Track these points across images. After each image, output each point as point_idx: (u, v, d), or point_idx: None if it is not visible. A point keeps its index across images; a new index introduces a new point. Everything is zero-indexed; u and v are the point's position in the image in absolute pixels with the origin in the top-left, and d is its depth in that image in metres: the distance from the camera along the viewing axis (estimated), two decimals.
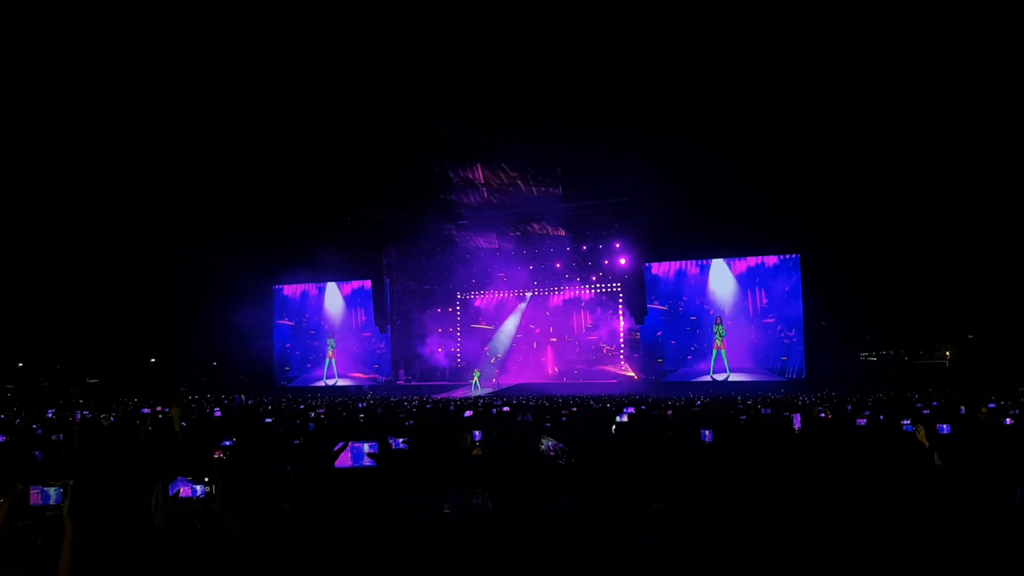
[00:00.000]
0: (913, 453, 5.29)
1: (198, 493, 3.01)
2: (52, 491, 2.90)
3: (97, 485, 3.24)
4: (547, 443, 3.60)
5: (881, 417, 9.33)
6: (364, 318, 43.54)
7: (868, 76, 34.35)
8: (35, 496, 2.89)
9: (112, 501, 3.15)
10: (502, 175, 37.37)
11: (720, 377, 35.69)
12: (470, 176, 37.66)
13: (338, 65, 36.58)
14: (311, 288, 44.88)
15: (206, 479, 3.02)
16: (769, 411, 11.48)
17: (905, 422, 7.86)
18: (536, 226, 39.06)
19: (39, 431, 10.25)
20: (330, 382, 43.17)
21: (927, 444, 5.70)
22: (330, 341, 43.95)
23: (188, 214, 39.72)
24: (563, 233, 38.59)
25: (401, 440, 4.52)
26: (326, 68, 36.88)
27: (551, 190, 37.02)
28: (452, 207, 39.13)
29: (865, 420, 8.06)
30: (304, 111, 40.37)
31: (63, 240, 38.24)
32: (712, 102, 35.59)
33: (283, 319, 45.39)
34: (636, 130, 33.77)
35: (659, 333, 37.42)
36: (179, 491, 3.01)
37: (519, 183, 37.29)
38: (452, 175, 37.71)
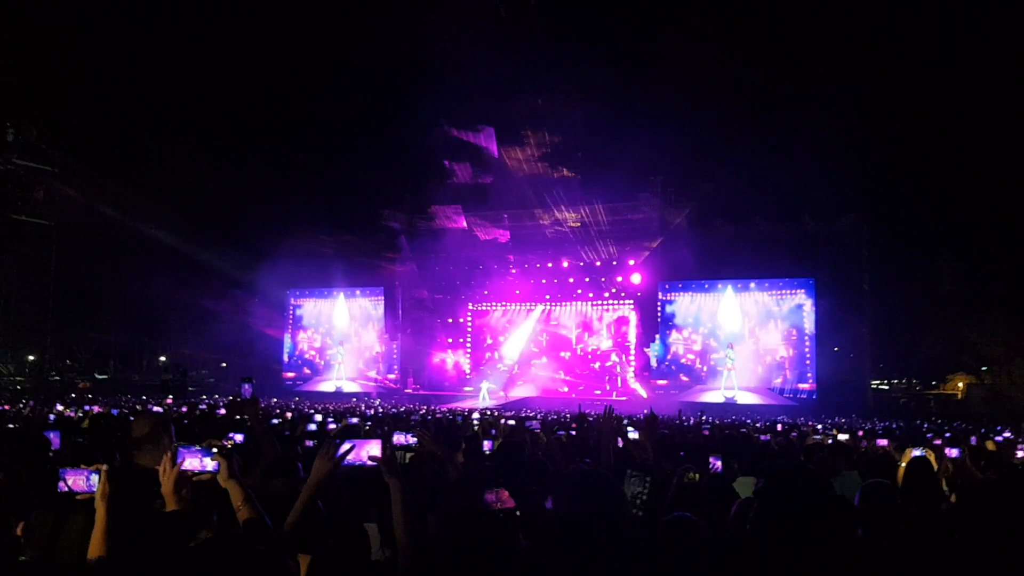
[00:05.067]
0: (923, 479, 5.24)
1: (206, 466, 2.97)
2: (86, 475, 2.87)
3: (130, 471, 3.27)
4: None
5: (885, 443, 9.27)
6: (374, 328, 43.58)
7: (887, 91, 34.32)
8: (75, 481, 2.86)
9: (141, 487, 3.17)
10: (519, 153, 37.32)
11: (729, 394, 35.59)
12: (484, 149, 37.59)
13: (353, 65, 36.91)
14: (324, 294, 44.92)
15: (214, 450, 2.97)
16: (768, 438, 11.64)
17: (915, 450, 7.80)
18: (546, 220, 38.78)
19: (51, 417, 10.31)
20: (338, 383, 43.26)
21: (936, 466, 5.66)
22: (339, 348, 44.00)
23: (203, 216, 40.03)
24: (579, 221, 38.19)
25: (411, 437, 4.54)
26: (342, 68, 37.17)
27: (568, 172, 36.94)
28: (463, 198, 39.10)
29: (888, 443, 7.98)
30: (320, 113, 40.70)
31: (81, 236, 38.54)
32: (729, 120, 35.68)
33: (295, 324, 45.47)
34: (653, 146, 33.85)
35: (669, 356, 37.36)
36: (185, 460, 2.97)
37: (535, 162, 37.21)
38: (464, 142, 37.63)
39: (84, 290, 40.63)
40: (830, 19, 34.63)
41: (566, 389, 39.48)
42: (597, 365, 39.92)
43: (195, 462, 2.95)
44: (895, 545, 3.44)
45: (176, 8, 36.92)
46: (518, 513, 3.33)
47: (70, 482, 2.86)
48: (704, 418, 18.74)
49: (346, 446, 3.04)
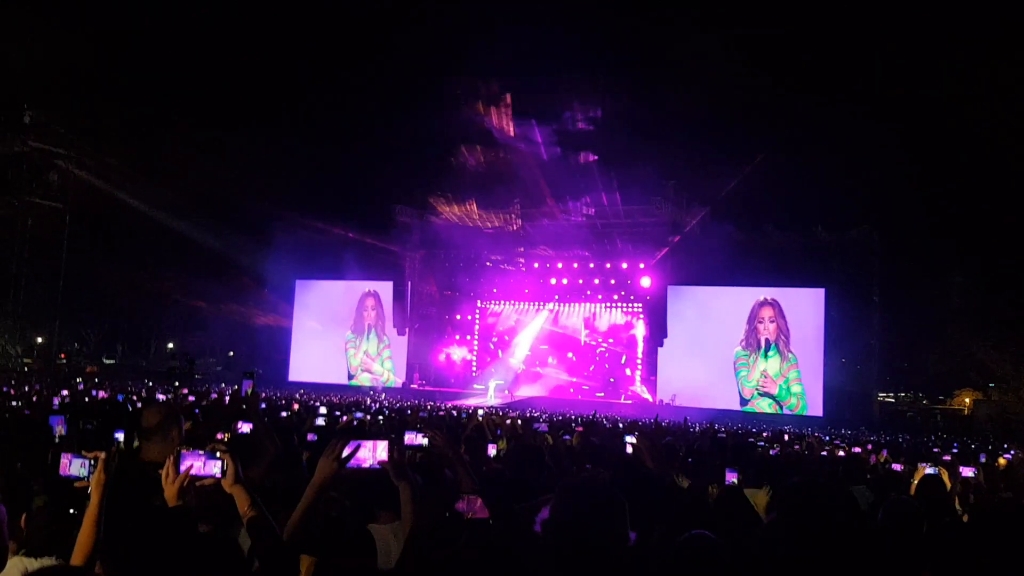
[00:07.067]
0: (935, 496, 5.16)
1: (210, 471, 2.90)
2: (83, 462, 2.86)
3: (136, 462, 3.22)
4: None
5: (894, 465, 9.18)
6: (383, 320, 43.42)
7: (901, 106, 34.18)
8: (74, 467, 2.86)
9: (138, 476, 3.13)
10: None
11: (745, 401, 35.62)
12: (499, 132, 37.28)
13: (366, 53, 36.88)
14: (332, 286, 44.64)
15: (218, 454, 2.91)
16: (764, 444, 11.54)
17: (923, 464, 7.72)
18: (558, 214, 38.41)
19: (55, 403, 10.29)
20: (345, 380, 43.13)
21: (949, 485, 5.59)
22: (349, 337, 43.84)
23: (213, 203, 40.08)
24: (591, 216, 37.83)
25: (421, 436, 4.47)
26: (356, 56, 37.11)
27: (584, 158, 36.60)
28: (475, 190, 38.82)
29: (901, 466, 7.87)
30: (333, 102, 40.70)
31: (93, 221, 38.65)
32: (744, 128, 35.53)
33: (303, 314, 45.26)
34: (668, 151, 33.79)
35: (677, 356, 37.16)
36: (191, 466, 2.89)
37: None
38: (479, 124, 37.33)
39: (94, 274, 40.75)
40: (849, 33, 34.54)
41: (572, 388, 39.43)
42: (602, 367, 39.83)
43: (199, 465, 2.88)
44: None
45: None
46: (491, 522, 3.27)
47: (69, 468, 2.85)
48: (715, 426, 18.59)
49: (352, 446, 2.98)
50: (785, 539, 2.40)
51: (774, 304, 36.11)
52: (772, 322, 36.05)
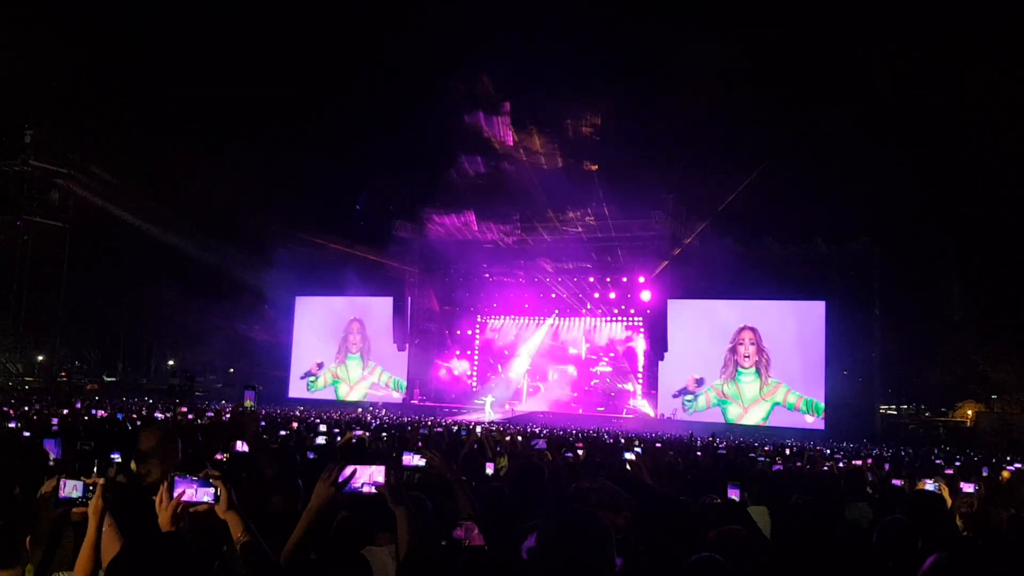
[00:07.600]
0: (934, 512, 5.14)
1: (202, 497, 2.89)
2: (78, 484, 2.87)
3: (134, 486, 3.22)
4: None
5: (896, 481, 9.13)
6: (368, 344, 43.36)
7: (901, 118, 34.28)
8: (72, 491, 2.86)
9: (135, 501, 3.12)
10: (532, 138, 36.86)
11: (735, 417, 35.46)
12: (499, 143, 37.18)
13: (362, 71, 37.03)
14: (332, 302, 44.57)
15: (211, 480, 2.90)
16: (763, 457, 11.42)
17: (927, 481, 7.69)
18: (558, 227, 38.29)
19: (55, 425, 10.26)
20: (344, 398, 43.02)
21: (950, 502, 5.57)
22: (349, 358, 43.80)
23: (212, 221, 40.14)
24: (592, 222, 37.72)
25: (418, 457, 4.45)
26: (353, 73, 37.21)
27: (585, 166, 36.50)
28: (475, 203, 38.65)
29: (902, 481, 7.83)
30: (332, 118, 40.79)
31: (93, 239, 38.71)
32: (743, 141, 35.62)
33: (302, 331, 45.21)
34: (665, 166, 33.86)
35: (678, 370, 37.08)
36: (183, 492, 2.87)
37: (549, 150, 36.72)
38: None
39: (95, 292, 40.76)
40: (848, 46, 34.70)
41: (572, 403, 39.30)
42: (603, 382, 39.75)
43: (191, 492, 2.86)
44: None
45: (193, 16, 37.24)
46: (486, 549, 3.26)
47: (66, 490, 2.85)
48: (717, 441, 18.56)
49: (348, 470, 2.97)
50: (781, 561, 2.40)
51: (754, 329, 36.18)
52: (752, 344, 36.07)
